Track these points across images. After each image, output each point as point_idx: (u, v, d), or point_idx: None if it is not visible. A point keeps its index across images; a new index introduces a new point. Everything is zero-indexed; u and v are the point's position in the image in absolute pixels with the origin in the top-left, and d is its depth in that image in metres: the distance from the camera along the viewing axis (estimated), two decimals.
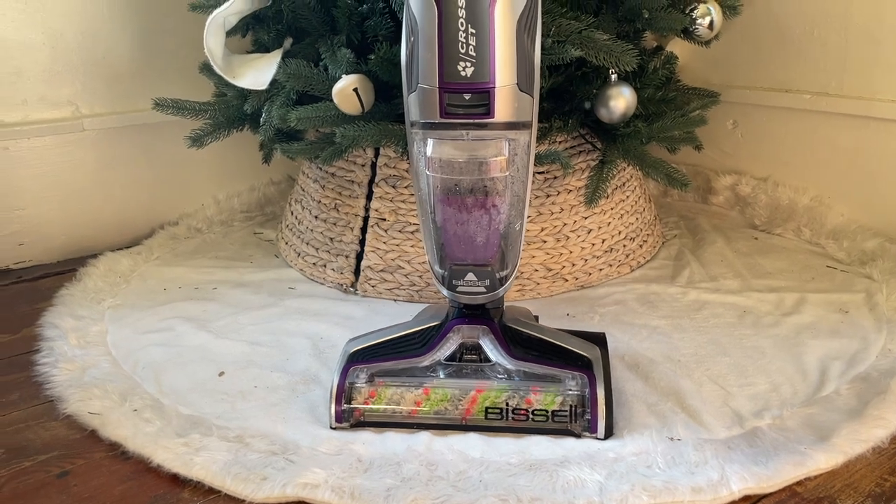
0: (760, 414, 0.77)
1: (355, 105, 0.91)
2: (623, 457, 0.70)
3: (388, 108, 0.96)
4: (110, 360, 0.91)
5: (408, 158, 0.98)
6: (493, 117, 0.68)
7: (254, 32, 1.11)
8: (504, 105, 0.67)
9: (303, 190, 1.23)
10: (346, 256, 1.12)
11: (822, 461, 0.69)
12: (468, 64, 0.65)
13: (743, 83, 1.32)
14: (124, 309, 1.07)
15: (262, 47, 1.07)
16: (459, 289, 0.78)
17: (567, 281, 1.10)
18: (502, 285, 0.78)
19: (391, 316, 1.02)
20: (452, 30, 0.64)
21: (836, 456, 0.69)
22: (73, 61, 1.26)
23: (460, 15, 0.64)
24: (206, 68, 1.15)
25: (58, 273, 1.24)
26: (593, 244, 1.12)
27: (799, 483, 0.68)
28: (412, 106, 0.70)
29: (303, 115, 0.92)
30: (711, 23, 1.03)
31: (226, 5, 0.97)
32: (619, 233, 1.15)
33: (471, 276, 0.77)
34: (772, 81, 1.29)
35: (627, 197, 1.17)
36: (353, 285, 1.12)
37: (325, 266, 1.15)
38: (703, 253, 1.20)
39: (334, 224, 1.14)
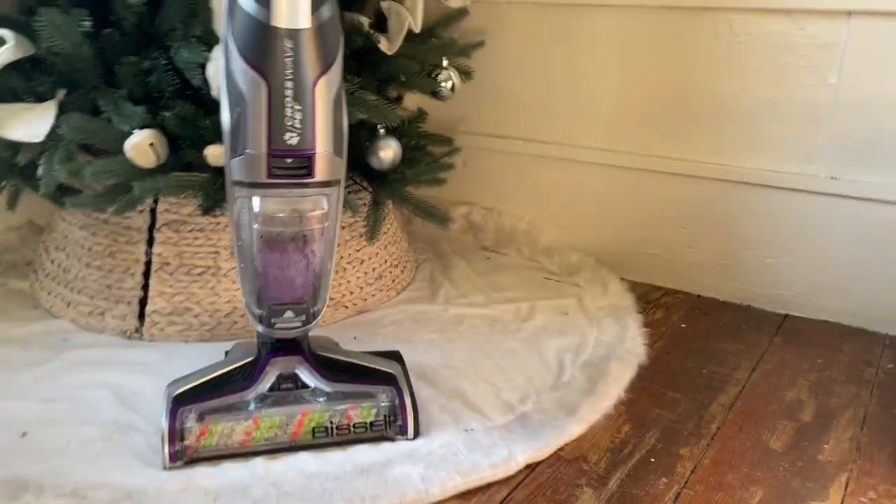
0: (524, 401, 0.98)
1: (150, 158, 0.95)
2: (433, 450, 0.86)
3: (177, 159, 1.01)
4: None
5: (202, 206, 1.03)
6: (313, 178, 0.79)
7: (12, 80, 1.06)
8: (322, 167, 0.79)
9: (64, 237, 1.19)
10: (128, 302, 1.13)
11: (574, 430, 0.92)
12: (294, 134, 0.76)
13: (470, 130, 1.58)
14: None
15: (27, 96, 1.03)
16: (277, 325, 0.87)
17: (347, 308, 1.23)
18: (315, 318, 0.89)
19: (186, 357, 1.06)
20: (279, 105, 0.74)
21: (582, 425, 0.93)
22: None
23: (287, 94, 0.74)
24: None
25: None
26: (366, 273, 1.27)
27: (561, 448, 0.90)
28: (236, 167, 0.78)
29: (98, 169, 0.93)
30: (453, 86, 1.24)
31: None
32: (385, 261, 1.32)
33: (289, 314, 0.87)
34: (492, 129, 1.56)
35: (388, 229, 1.34)
36: (137, 331, 1.12)
37: (102, 314, 1.13)
38: (451, 274, 1.41)
39: (110, 271, 1.13)
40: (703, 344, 1.19)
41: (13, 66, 1.00)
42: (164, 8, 0.97)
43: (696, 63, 1.31)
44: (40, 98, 1.01)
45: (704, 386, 1.06)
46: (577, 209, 1.50)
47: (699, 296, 1.38)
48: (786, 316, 1.29)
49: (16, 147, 1.00)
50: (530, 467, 0.86)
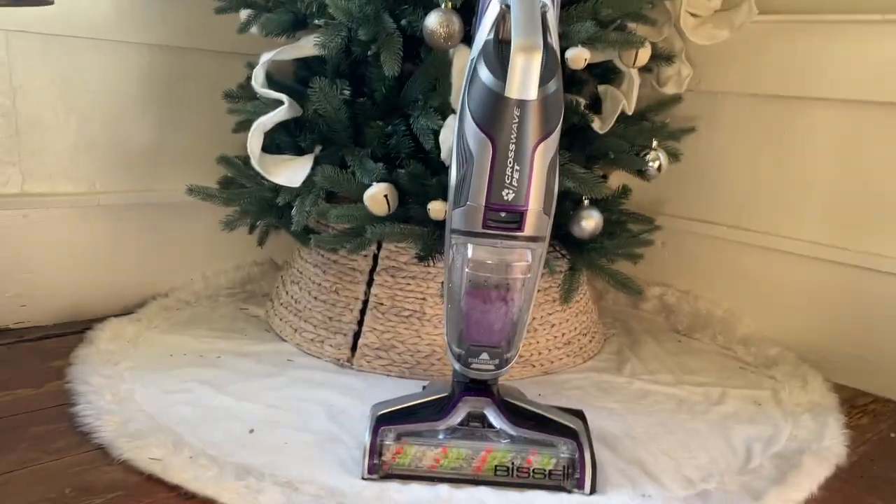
0: (706, 480, 0.97)
1: (384, 208, 1.10)
2: None
3: (403, 211, 1.15)
4: (146, 415, 1.01)
5: (418, 255, 1.15)
6: (522, 232, 0.87)
7: (278, 136, 1.27)
8: (531, 223, 0.87)
9: (300, 273, 1.37)
10: (345, 334, 1.27)
11: None
12: (511, 191, 0.85)
13: (672, 213, 1.60)
14: (141, 371, 1.16)
15: (290, 150, 1.23)
16: (473, 366, 0.95)
17: (534, 367, 1.29)
18: (507, 364, 0.96)
19: (387, 388, 1.17)
20: (502, 165, 0.84)
21: None
22: (96, 142, 1.38)
23: (510, 156, 0.84)
24: (225, 160, 1.31)
25: (58, 335, 1.31)
26: (555, 336, 1.32)
27: None
28: (457, 217, 0.89)
29: (340, 213, 1.09)
30: (660, 166, 1.29)
31: (271, 115, 1.15)
32: (575, 328, 1.36)
33: (485, 356, 0.94)
34: (694, 212, 1.57)
35: (580, 299, 1.39)
36: (349, 360, 1.26)
37: (322, 342, 1.29)
38: (640, 350, 1.42)
39: (333, 305, 1.29)
40: None
41: (282, 125, 1.21)
42: (410, 82, 1.13)
43: None
44: (301, 152, 1.20)
45: None
46: (779, 301, 1.46)
47: None
48: None
49: (276, 190, 1.19)
50: None
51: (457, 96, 1.07)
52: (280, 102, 1.15)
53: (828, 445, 1.06)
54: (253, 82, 1.18)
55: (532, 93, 0.81)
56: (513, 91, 0.80)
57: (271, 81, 1.24)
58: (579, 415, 1.00)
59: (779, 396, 1.24)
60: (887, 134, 1.30)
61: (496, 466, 0.93)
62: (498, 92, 0.81)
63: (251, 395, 1.11)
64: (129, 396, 1.06)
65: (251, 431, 1.01)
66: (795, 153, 1.41)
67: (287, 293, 1.39)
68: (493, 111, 0.82)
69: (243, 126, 1.28)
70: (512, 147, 0.83)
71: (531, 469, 0.93)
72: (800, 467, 0.98)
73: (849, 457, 1.06)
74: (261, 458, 0.93)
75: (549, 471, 0.93)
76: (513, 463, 0.93)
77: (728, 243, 1.52)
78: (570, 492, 0.92)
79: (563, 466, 0.93)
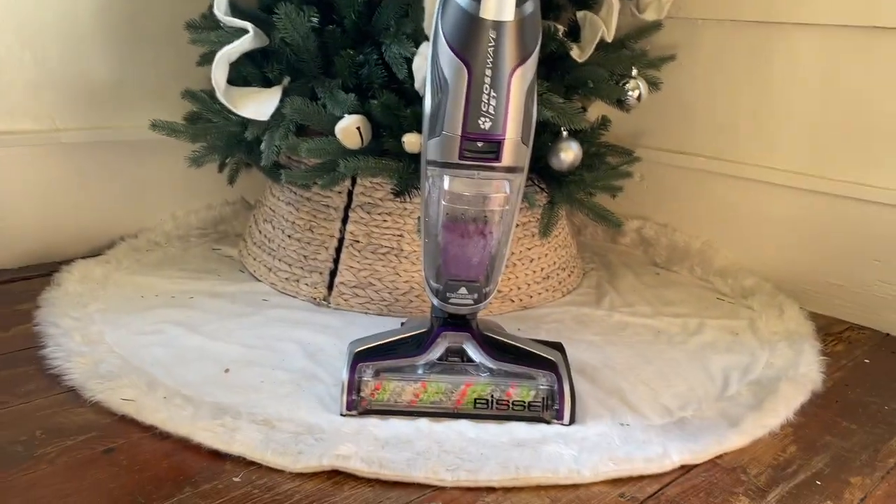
0: (684, 407, 0.98)
1: (356, 141, 1.06)
2: (588, 437, 0.88)
3: (377, 145, 1.11)
4: (118, 357, 0.99)
5: (393, 190, 1.12)
6: (500, 162, 0.85)
7: (244, 67, 1.22)
8: (509, 153, 0.84)
9: (272, 211, 1.34)
10: (320, 273, 1.25)
11: (735, 441, 0.90)
12: (487, 119, 0.82)
13: (649, 144, 1.58)
14: (111, 313, 1.13)
15: (257, 81, 1.18)
16: (451, 300, 0.94)
17: (514, 302, 1.28)
18: (486, 299, 0.95)
19: (365, 326, 1.16)
20: (478, 92, 0.81)
21: (744, 437, 0.91)
22: (55, 78, 1.32)
23: (486, 81, 0.80)
24: (190, 94, 1.25)
25: (24, 278, 1.27)
26: (534, 271, 1.31)
27: (719, 457, 0.88)
28: (432, 148, 0.86)
29: (311, 147, 1.06)
30: (639, 96, 1.26)
31: (235, 44, 1.09)
32: (554, 263, 1.35)
33: (463, 290, 0.93)
34: (673, 144, 1.55)
35: (559, 233, 1.38)
36: (325, 299, 1.24)
37: (297, 281, 1.26)
38: (618, 283, 1.42)
39: (308, 243, 1.26)
40: (888, 381, 1.11)
41: (248, 56, 1.15)
42: (381, 7, 1.08)
43: None
44: (268, 83, 1.16)
45: (884, 421, 0.99)
46: (757, 232, 1.45)
47: (888, 334, 1.29)
48: None
49: (244, 124, 1.15)
50: (685, 468, 0.86)
51: (430, 21, 1.02)
52: (245, 31, 1.10)
53: (804, 372, 1.07)
54: (215, 10, 1.12)
55: (508, 13, 0.77)
56: (488, 11, 0.77)
57: (235, 9, 1.17)
58: (558, 347, 1.00)
59: (755, 325, 1.25)
60: (868, 59, 1.27)
61: (476, 399, 0.92)
62: (473, 13, 0.77)
63: (226, 335, 1.09)
64: (100, 338, 1.04)
65: (227, 371, 0.99)
66: (776, 81, 1.39)
67: (260, 232, 1.36)
68: (468, 34, 0.79)
69: (208, 58, 1.21)
70: (488, 72, 0.80)
71: (510, 401, 0.93)
72: (776, 393, 0.99)
73: (824, 383, 1.07)
74: (237, 398, 0.92)
75: (529, 402, 0.93)
76: (492, 396, 0.93)
77: (707, 175, 1.51)
78: (549, 422, 0.92)
79: (543, 398, 0.93)
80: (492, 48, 0.79)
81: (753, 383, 1.05)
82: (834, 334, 1.28)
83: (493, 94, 0.81)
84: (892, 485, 0.85)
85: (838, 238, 1.34)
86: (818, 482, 0.85)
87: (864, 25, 1.26)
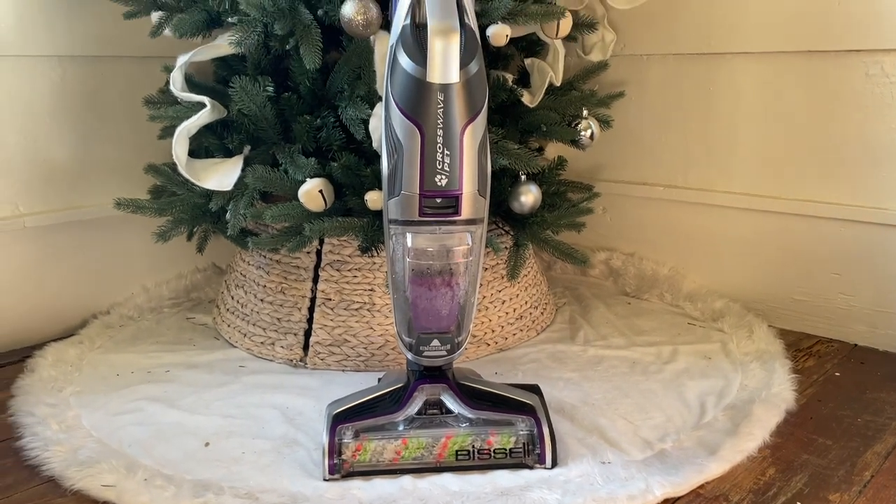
0: (663, 439, 0.99)
1: (320, 203, 1.08)
2: (570, 479, 0.89)
3: (341, 204, 1.13)
4: (96, 441, 0.98)
5: (360, 246, 1.14)
6: (460, 216, 0.87)
7: (205, 138, 1.23)
8: (468, 206, 0.87)
9: (243, 276, 1.35)
10: (295, 334, 1.25)
11: (715, 469, 0.91)
12: (443, 176, 0.84)
13: (609, 177, 1.62)
14: (87, 395, 1.12)
15: (219, 152, 1.20)
16: (425, 353, 0.95)
17: (489, 345, 1.29)
18: (459, 348, 0.96)
19: (343, 384, 1.16)
20: (432, 151, 0.83)
21: (723, 464, 0.92)
22: (15, 163, 1.32)
23: (439, 141, 0.83)
24: (153, 169, 1.27)
25: None
26: (507, 313, 1.33)
27: (700, 486, 0.90)
28: (393, 207, 0.88)
29: (276, 213, 1.07)
30: (592, 135, 1.29)
31: (193, 118, 1.11)
32: (526, 302, 1.37)
33: (436, 342, 0.94)
34: (632, 176, 1.59)
35: (528, 272, 1.40)
36: (302, 360, 1.24)
37: (273, 344, 1.27)
38: (591, 316, 1.44)
39: (281, 305, 1.27)
40: (859, 393, 1.13)
41: (208, 127, 1.17)
42: (334, 73, 1.11)
43: (846, 105, 1.29)
44: (229, 153, 1.17)
45: (858, 434, 1.01)
46: (721, 254, 1.49)
47: (855, 345, 1.32)
48: None
49: (208, 195, 1.16)
50: (668, 501, 0.87)
51: (381, 83, 1.05)
52: (202, 105, 1.12)
53: (776, 392, 1.09)
54: (171, 86, 1.14)
55: (454, 76, 0.80)
56: (434, 76, 0.79)
57: (191, 84, 1.20)
58: (535, 389, 1.01)
59: (727, 348, 1.28)
60: (807, 82, 1.33)
61: (457, 451, 0.93)
62: (419, 78, 0.80)
63: (204, 407, 1.09)
64: (77, 423, 1.03)
65: (207, 445, 0.99)
66: (721, 108, 1.44)
67: (232, 298, 1.36)
68: (417, 97, 0.81)
69: (168, 132, 1.24)
70: (440, 132, 0.83)
71: (492, 450, 0.93)
72: (751, 417, 1.01)
73: (797, 400, 1.09)
74: (218, 472, 0.92)
75: (510, 449, 0.93)
76: (473, 446, 0.93)
77: (667, 203, 1.54)
78: (532, 467, 0.93)
79: (524, 443, 0.94)
80: (441, 109, 0.81)
81: (729, 408, 1.07)
82: (804, 349, 1.30)
83: (446, 151, 0.83)
84: (868, 498, 0.87)
85: (797, 254, 1.38)
86: (798, 503, 0.86)
87: (800, 50, 1.32)
